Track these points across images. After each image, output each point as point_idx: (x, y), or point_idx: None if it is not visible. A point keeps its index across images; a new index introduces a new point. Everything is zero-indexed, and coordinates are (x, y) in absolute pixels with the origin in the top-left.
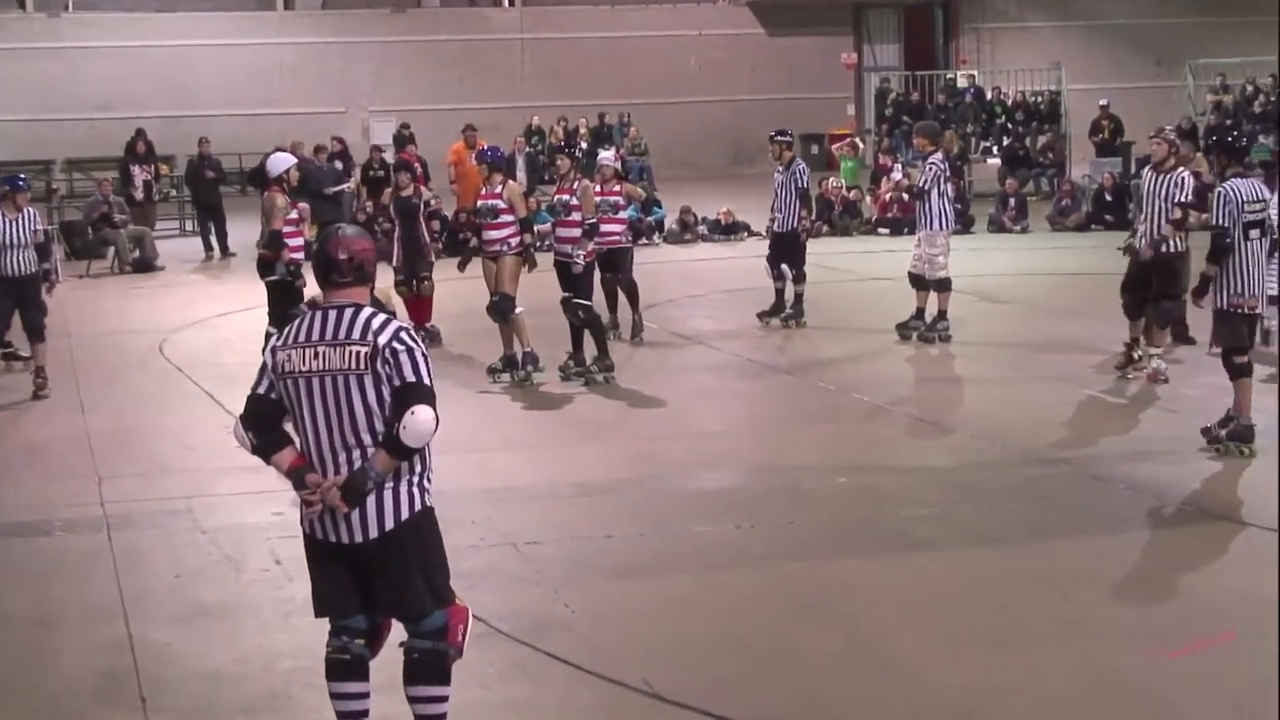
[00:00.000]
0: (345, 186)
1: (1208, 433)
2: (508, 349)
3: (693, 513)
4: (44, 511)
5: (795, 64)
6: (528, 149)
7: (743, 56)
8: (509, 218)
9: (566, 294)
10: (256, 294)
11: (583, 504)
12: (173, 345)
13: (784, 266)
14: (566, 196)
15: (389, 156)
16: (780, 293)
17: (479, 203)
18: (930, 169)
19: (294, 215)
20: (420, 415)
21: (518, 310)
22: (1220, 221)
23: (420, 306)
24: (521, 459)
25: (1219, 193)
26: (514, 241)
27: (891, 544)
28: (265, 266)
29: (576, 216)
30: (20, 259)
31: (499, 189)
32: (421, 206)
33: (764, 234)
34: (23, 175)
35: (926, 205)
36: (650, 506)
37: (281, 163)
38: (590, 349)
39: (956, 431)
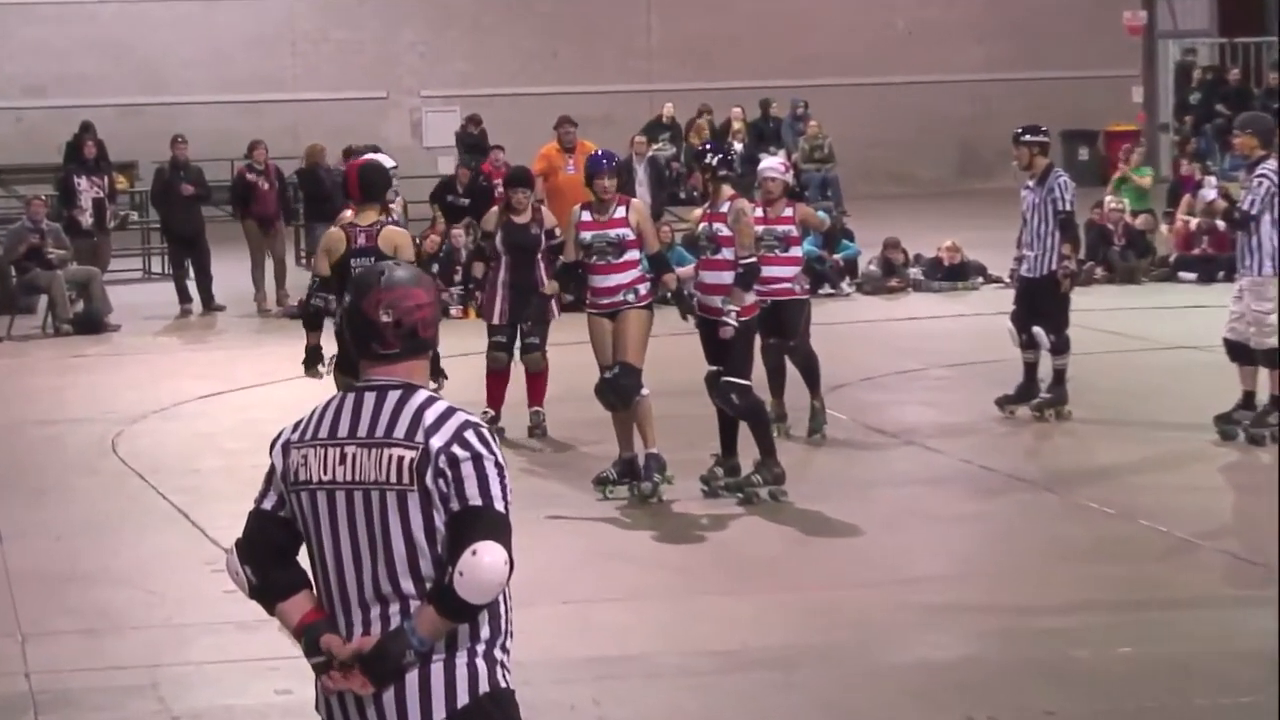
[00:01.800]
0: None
1: None
2: (625, 449)
3: (902, 697)
4: None
5: (1053, 28)
6: (652, 152)
7: (974, 18)
8: (634, 253)
9: (714, 369)
10: (256, 367)
11: (733, 684)
12: (131, 441)
13: (1037, 330)
14: (717, 225)
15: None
16: (1031, 368)
17: (589, 234)
18: (1259, 183)
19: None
20: (485, 557)
21: (643, 392)
22: None
23: (530, 384)
24: (643, 615)
25: None
26: (642, 289)
27: None
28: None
29: (728, 254)
30: None
31: (619, 211)
32: (543, 239)
33: (1008, 280)
34: None
35: (1253, 238)
36: (837, 688)
37: None
38: (748, 449)
39: None
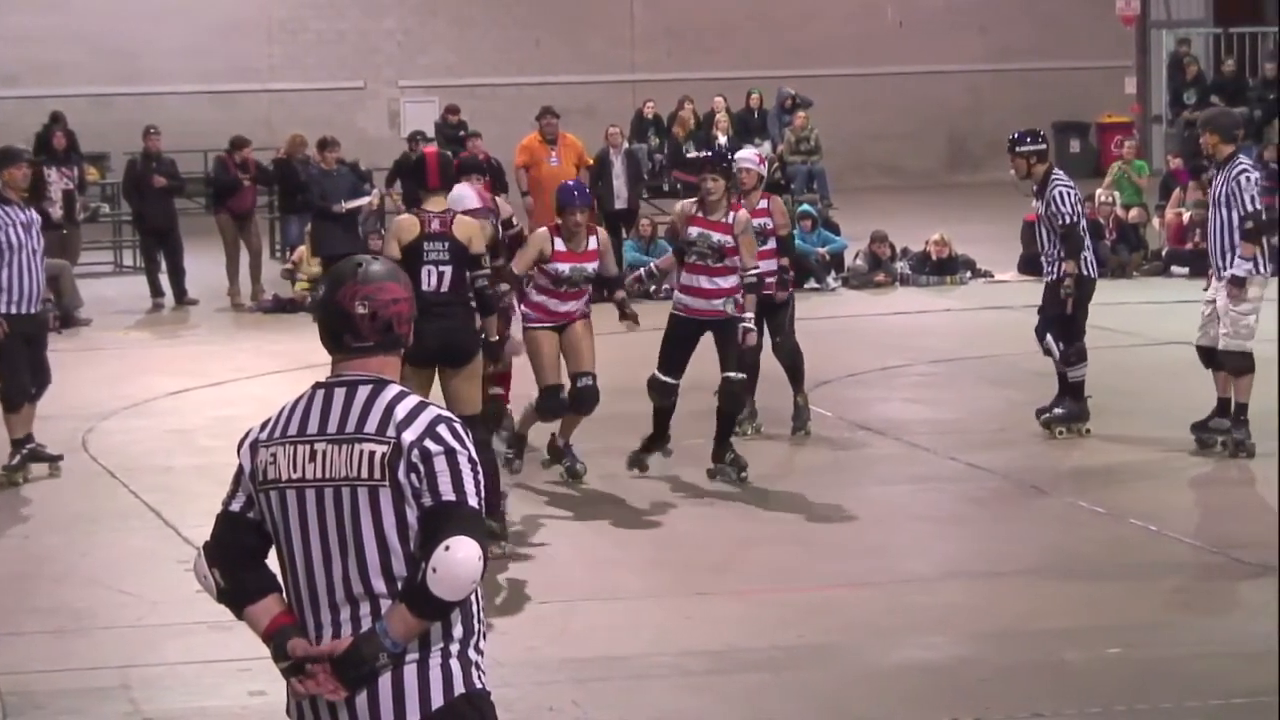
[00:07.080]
0: (363, 202)
1: None
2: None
3: (893, 700)
4: None
5: (1048, 16)
6: (629, 146)
7: (965, 7)
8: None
9: (663, 372)
10: (230, 362)
11: (722, 685)
12: (102, 438)
13: (1048, 340)
14: (718, 235)
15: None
16: (1065, 376)
17: (565, 266)
18: (1245, 179)
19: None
20: (459, 553)
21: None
22: None
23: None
24: (628, 615)
25: None
26: (584, 299)
27: None
28: None
29: (733, 262)
30: None
31: (592, 243)
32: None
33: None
34: None
35: (1232, 235)
36: (827, 689)
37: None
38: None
39: None
